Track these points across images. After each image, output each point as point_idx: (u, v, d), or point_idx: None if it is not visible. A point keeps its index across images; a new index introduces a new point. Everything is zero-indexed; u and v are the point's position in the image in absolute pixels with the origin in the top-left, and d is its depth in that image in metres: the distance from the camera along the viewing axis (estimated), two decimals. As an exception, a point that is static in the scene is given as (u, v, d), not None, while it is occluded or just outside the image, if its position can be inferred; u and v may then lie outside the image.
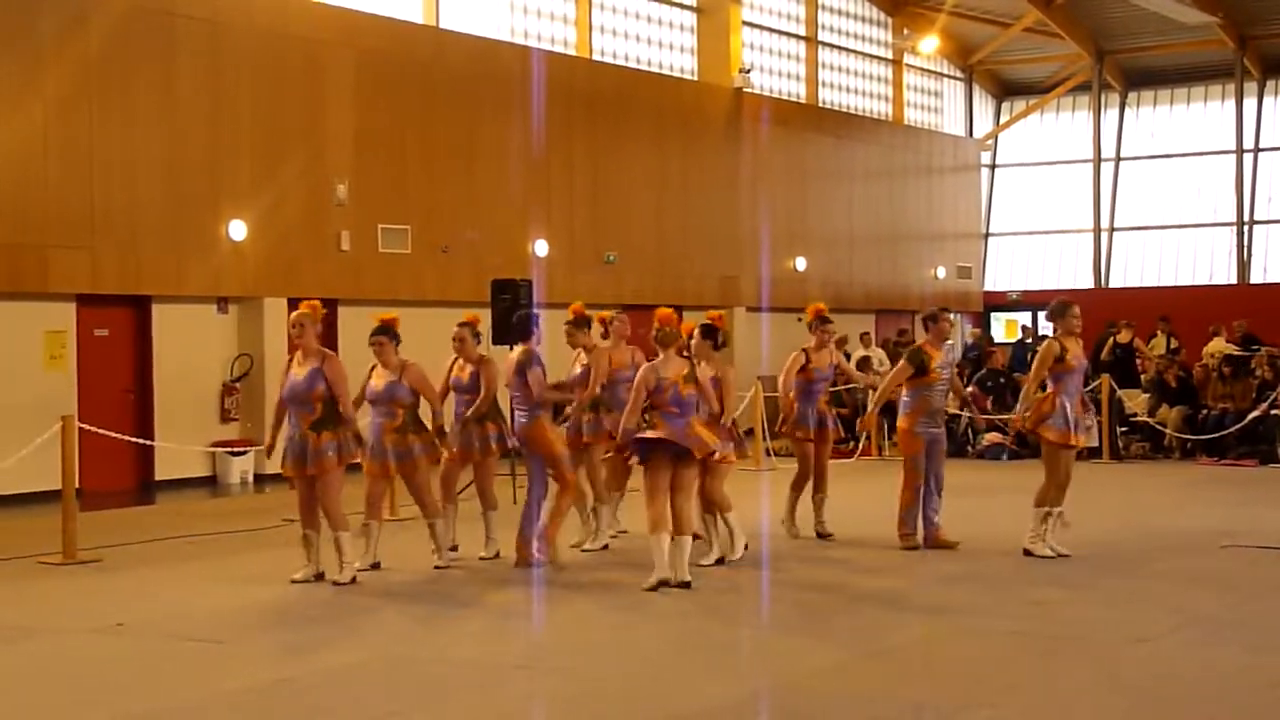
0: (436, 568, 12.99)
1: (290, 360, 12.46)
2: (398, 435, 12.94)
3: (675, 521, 11.95)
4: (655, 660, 9.71)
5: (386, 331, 13.12)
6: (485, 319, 19.41)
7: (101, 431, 14.05)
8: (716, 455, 12.37)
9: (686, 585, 11.77)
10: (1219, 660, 9.36)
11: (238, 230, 20.51)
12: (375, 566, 12.95)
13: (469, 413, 13.38)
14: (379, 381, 12.97)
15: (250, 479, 20.47)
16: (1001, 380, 25.13)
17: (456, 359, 13.65)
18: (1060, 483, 12.96)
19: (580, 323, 14.58)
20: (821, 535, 14.46)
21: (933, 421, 13.69)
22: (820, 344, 14.55)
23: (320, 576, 12.24)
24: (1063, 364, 12.72)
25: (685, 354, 12.33)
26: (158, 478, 19.87)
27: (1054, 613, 10.91)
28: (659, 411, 12.04)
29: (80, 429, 14.44)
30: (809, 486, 14.65)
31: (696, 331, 12.77)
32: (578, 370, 14.15)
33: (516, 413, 13.45)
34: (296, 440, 12.16)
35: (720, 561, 13.01)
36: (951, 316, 13.73)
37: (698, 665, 9.53)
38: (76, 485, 14.22)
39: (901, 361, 13.91)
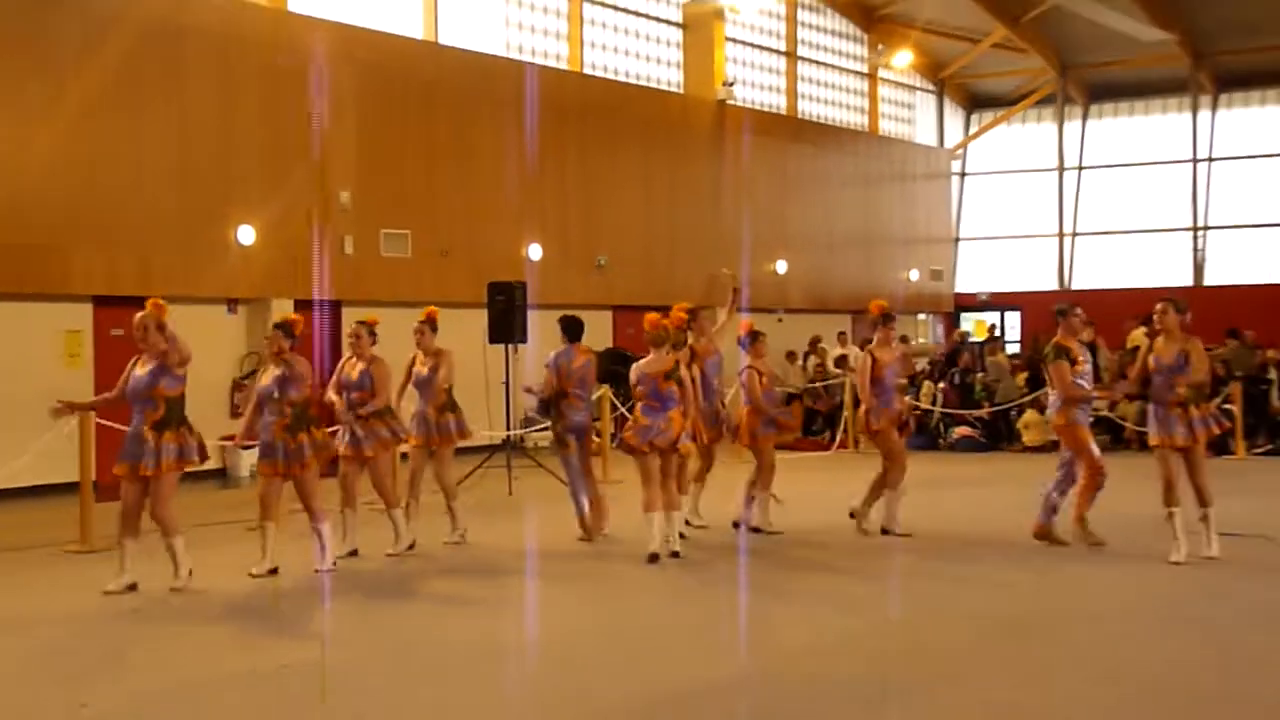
0: (388, 554, 13.07)
1: (135, 360, 11.65)
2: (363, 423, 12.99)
3: (665, 500, 12.72)
4: (644, 642, 9.75)
5: (283, 327, 12.52)
6: (482, 319, 19.55)
7: (118, 426, 13.96)
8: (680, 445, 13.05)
9: (676, 555, 12.69)
10: (1174, 642, 9.42)
11: (246, 235, 20.51)
12: (354, 554, 13.11)
13: (364, 410, 13.05)
14: (267, 379, 12.40)
15: (254, 472, 20.42)
16: (969, 379, 25.33)
17: (350, 357, 13.39)
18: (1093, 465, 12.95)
19: (432, 325, 14.06)
20: (887, 531, 13.88)
21: (1086, 409, 13.43)
22: (884, 341, 14.13)
23: (133, 587, 11.40)
24: (1074, 369, 12.75)
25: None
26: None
27: (1021, 595, 10.97)
28: (641, 404, 12.83)
29: (96, 424, 14.50)
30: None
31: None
32: (425, 372, 13.85)
33: (579, 408, 13.73)
34: (135, 439, 11.46)
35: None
36: (1080, 311, 13.39)
37: (685, 647, 9.57)
38: (94, 478, 14.32)
39: (1057, 360, 13.09)
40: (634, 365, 13.26)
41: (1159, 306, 12.33)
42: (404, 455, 14.28)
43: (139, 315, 11.52)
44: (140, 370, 11.45)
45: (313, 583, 11.99)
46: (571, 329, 13.94)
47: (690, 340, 14.14)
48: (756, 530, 14.26)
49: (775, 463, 14.54)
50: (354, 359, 13.29)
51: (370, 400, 13.04)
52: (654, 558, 12.46)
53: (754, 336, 14.73)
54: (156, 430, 11.33)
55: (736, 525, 14.35)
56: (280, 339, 12.33)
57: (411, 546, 13.41)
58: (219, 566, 12.28)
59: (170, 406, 11.40)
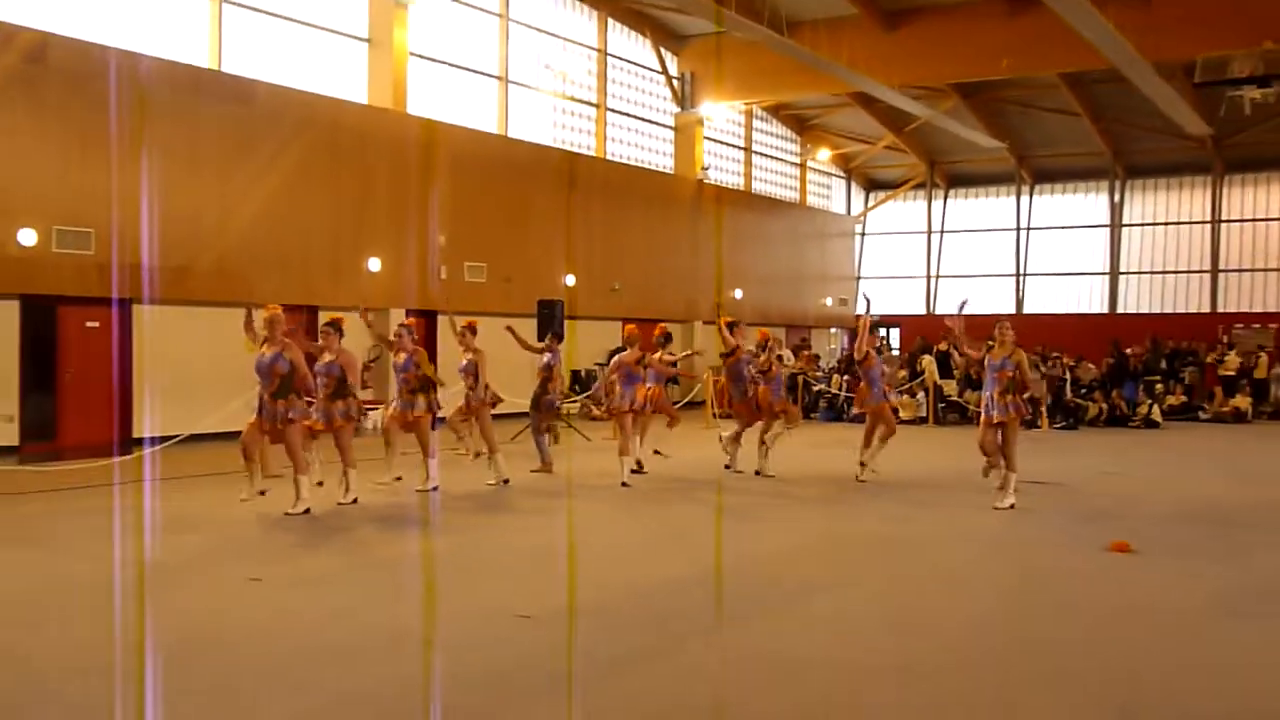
0: (340, 503, 11.47)
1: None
2: (326, 401, 11.54)
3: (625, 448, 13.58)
4: (627, 548, 9.74)
5: (334, 325, 11.77)
6: (533, 324, 19.55)
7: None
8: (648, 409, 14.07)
9: (626, 485, 13.13)
10: (994, 560, 9.43)
11: (374, 265, 20.50)
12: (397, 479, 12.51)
13: (330, 391, 11.57)
14: (322, 362, 11.58)
15: (379, 426, 20.37)
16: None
17: (325, 350, 11.74)
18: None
19: (335, 326, 12.01)
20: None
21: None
22: (1001, 342, 11.74)
23: (263, 493, 10.87)
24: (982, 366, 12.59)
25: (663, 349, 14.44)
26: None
27: (904, 524, 10.98)
28: (619, 383, 13.65)
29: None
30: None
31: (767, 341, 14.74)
32: (464, 361, 13.07)
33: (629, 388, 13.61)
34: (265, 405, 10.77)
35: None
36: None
37: (662, 552, 9.56)
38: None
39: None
40: (615, 357, 14.05)
41: (999, 325, 12.00)
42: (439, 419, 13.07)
43: (267, 314, 10.99)
44: (265, 354, 10.88)
45: (421, 500, 11.96)
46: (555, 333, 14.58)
47: (729, 344, 14.47)
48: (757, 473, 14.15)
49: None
50: (325, 351, 11.68)
51: (337, 384, 11.60)
52: (623, 484, 13.12)
53: (765, 342, 14.74)
54: (273, 398, 10.77)
55: (758, 473, 14.14)
56: (331, 334, 11.63)
57: (507, 481, 13.00)
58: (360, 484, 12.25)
59: (283, 381, 10.75)
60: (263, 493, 10.91)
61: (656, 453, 15.18)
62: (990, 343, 11.88)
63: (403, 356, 12.43)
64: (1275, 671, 6.19)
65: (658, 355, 14.80)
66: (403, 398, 12.30)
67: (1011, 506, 11.46)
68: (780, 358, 23.74)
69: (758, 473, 14.17)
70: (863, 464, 13.75)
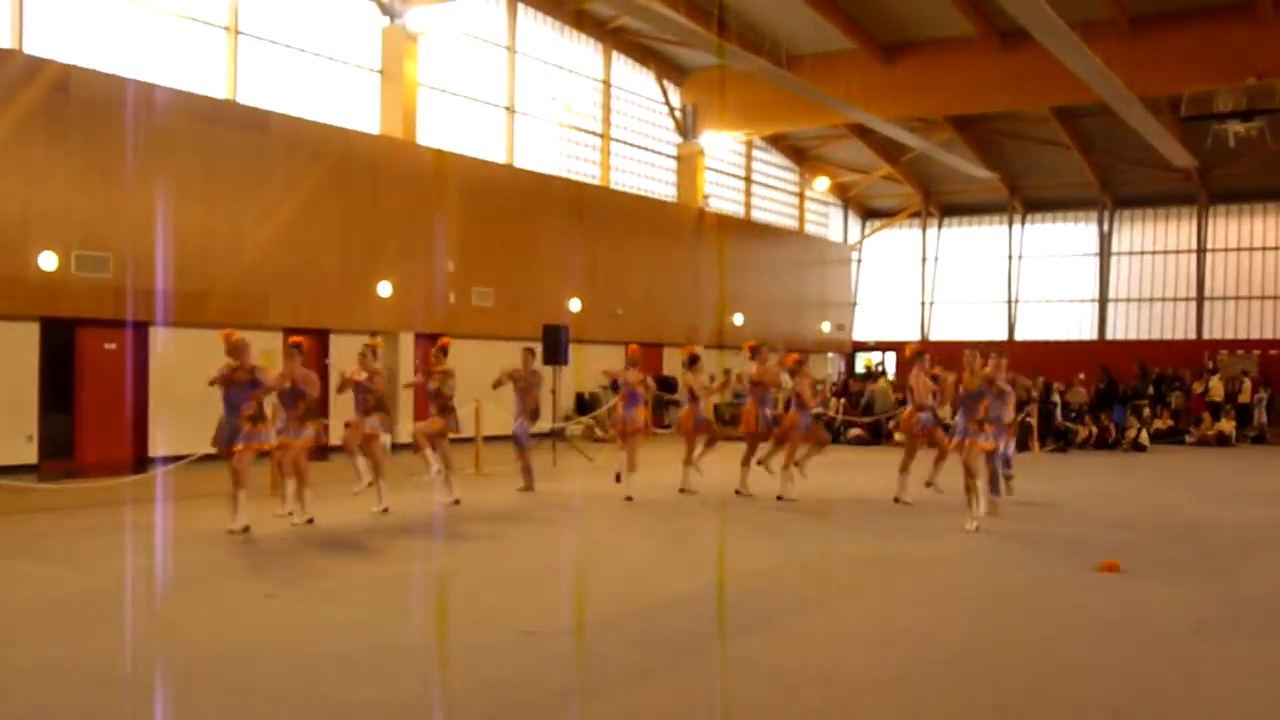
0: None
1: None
2: (298, 420, 11.34)
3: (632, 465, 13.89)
4: (636, 565, 9.75)
5: (296, 348, 11.51)
6: (539, 347, 19.57)
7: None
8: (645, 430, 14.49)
9: (629, 499, 13.39)
10: (997, 573, 9.44)
11: (384, 289, 20.56)
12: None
13: (300, 409, 11.33)
14: (286, 383, 11.17)
15: (389, 445, 20.39)
16: (858, 396, 25.42)
17: (286, 369, 11.27)
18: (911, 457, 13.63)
19: (297, 349, 11.58)
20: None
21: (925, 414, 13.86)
22: (972, 370, 11.94)
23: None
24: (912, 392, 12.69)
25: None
26: (331, 443, 19.82)
27: (894, 544, 10.98)
28: (623, 401, 14.01)
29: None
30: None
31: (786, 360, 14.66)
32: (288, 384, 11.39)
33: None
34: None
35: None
36: (926, 357, 13.86)
37: (669, 569, 9.57)
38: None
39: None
40: (619, 377, 14.40)
41: (966, 354, 12.02)
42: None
43: (237, 338, 10.83)
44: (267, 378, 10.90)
45: (421, 515, 11.98)
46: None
47: (755, 369, 14.30)
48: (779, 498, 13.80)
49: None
50: (287, 371, 11.26)
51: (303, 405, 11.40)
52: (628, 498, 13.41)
53: (799, 364, 14.55)
54: (253, 420, 10.86)
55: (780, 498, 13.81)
56: (294, 356, 11.40)
57: (457, 502, 12.71)
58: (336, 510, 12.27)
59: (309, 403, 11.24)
60: (246, 529, 10.72)
61: (618, 479, 14.24)
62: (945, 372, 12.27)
63: (364, 375, 12.31)
64: (1256, 685, 6.21)
65: (694, 378, 14.69)
66: (359, 415, 12.28)
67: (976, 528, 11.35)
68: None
69: (779, 497, 13.87)
70: (929, 483, 13.81)
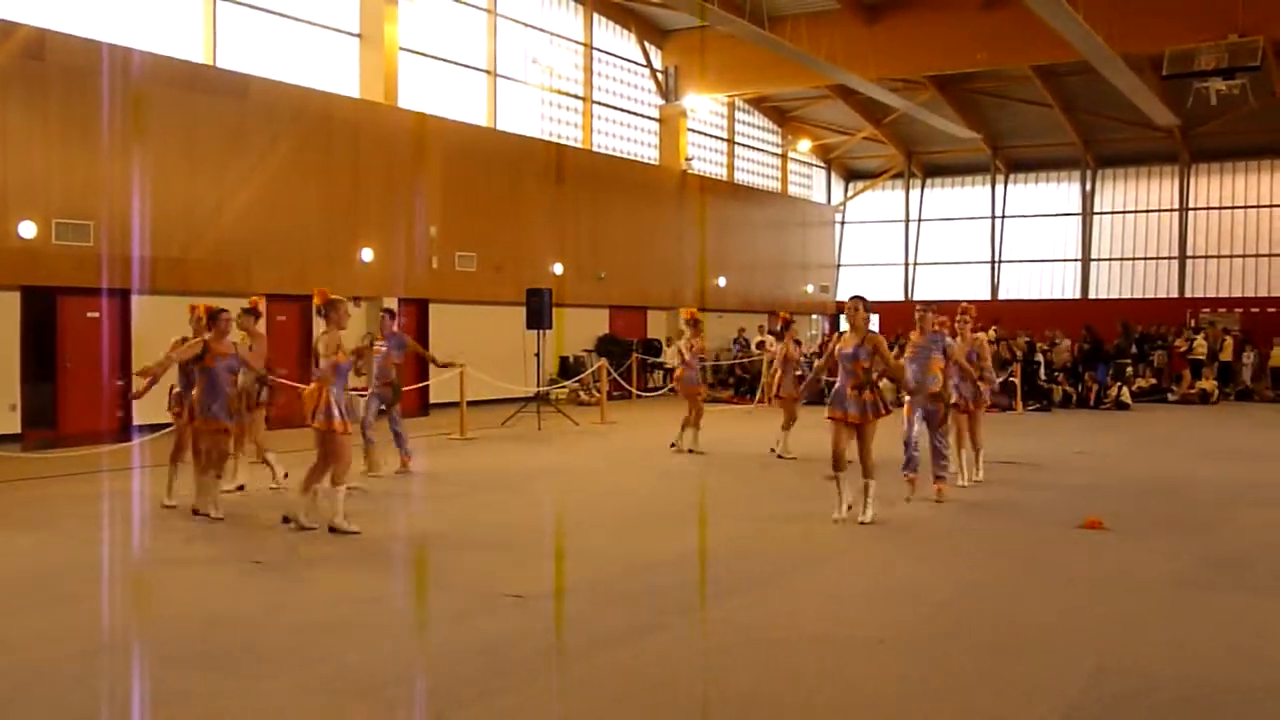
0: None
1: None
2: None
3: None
4: (622, 528, 9.77)
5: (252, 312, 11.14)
6: (522, 312, 19.48)
7: (285, 381, 13.94)
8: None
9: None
10: (982, 531, 9.48)
11: (367, 255, 20.45)
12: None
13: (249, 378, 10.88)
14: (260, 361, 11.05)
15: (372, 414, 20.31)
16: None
17: (244, 339, 11.07)
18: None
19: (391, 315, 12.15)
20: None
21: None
22: (854, 325, 9.67)
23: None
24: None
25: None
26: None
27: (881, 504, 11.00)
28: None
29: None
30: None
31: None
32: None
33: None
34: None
35: None
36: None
37: (649, 534, 9.59)
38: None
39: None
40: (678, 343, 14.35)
41: (917, 311, 10.51)
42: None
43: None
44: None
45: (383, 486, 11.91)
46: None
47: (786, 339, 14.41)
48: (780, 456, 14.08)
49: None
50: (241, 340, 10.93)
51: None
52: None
53: (787, 326, 14.72)
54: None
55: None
56: (248, 320, 11.04)
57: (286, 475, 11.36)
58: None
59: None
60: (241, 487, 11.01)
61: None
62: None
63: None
64: (1237, 637, 6.26)
65: (786, 343, 14.50)
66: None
67: (873, 520, 9.53)
68: (762, 344, 23.76)
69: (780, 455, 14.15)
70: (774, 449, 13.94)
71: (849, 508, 9.67)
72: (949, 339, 10.93)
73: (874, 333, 9.57)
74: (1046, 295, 35.52)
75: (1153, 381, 25.63)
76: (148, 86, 16.93)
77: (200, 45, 18.94)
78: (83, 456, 13.61)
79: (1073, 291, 35.40)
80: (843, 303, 11.68)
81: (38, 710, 5.15)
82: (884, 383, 10.57)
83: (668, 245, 28.76)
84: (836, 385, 9.63)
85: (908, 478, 10.88)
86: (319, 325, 9.62)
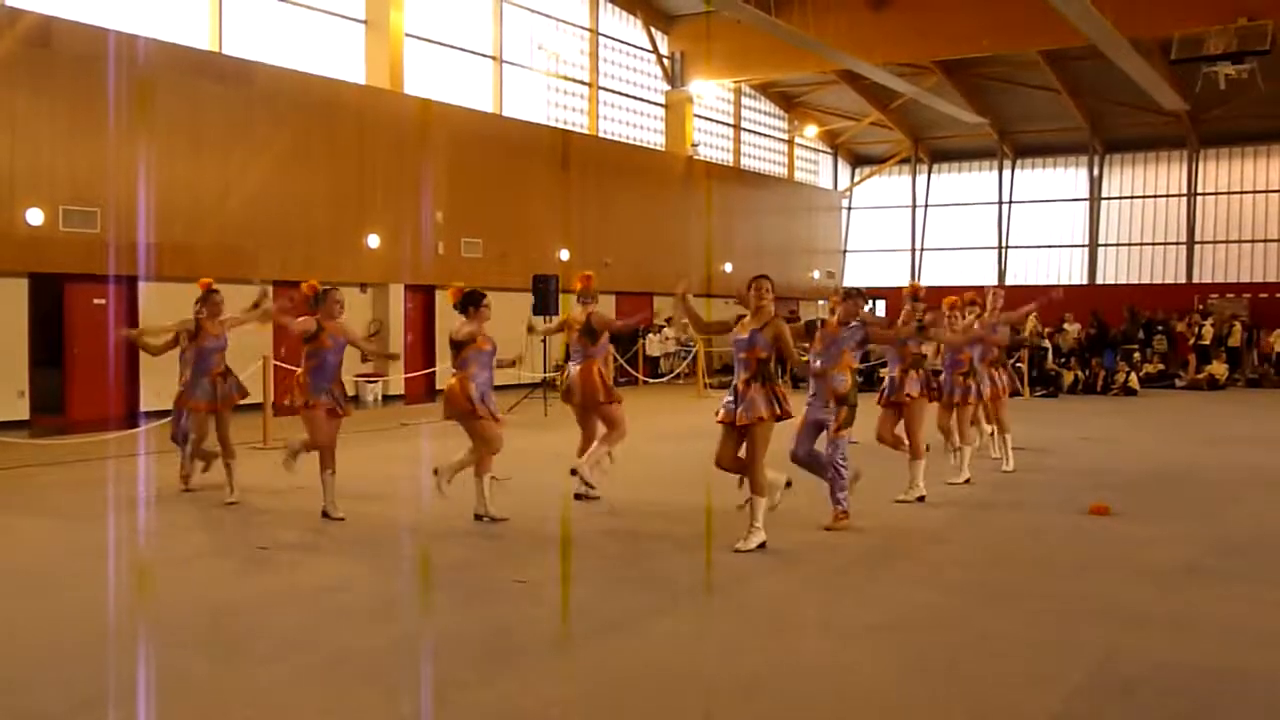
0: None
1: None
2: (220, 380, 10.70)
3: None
4: (626, 512, 9.71)
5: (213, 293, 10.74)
6: (529, 298, 19.49)
7: (287, 366, 14.00)
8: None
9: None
10: (989, 515, 9.45)
11: (374, 241, 20.45)
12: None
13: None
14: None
15: (380, 398, 20.40)
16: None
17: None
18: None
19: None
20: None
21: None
22: (756, 308, 8.32)
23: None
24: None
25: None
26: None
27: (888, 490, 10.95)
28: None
29: (275, 365, 14.50)
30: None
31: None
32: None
33: None
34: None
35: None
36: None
37: (656, 518, 9.55)
38: (272, 399, 14.33)
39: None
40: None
41: (754, 283, 8.20)
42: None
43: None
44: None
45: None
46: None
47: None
48: None
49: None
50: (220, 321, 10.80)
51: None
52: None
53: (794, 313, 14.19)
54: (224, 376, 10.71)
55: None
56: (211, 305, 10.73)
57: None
58: (361, 459, 12.22)
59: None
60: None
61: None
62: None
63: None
64: (1246, 622, 6.24)
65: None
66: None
67: (762, 545, 7.91)
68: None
69: None
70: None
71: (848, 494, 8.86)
72: (872, 326, 9.41)
73: (779, 318, 8.14)
74: (1054, 281, 35.40)
75: (1160, 367, 25.55)
76: (154, 74, 16.91)
77: (206, 32, 18.93)
78: (90, 443, 13.63)
79: (1080, 277, 35.30)
80: (849, 288, 10.53)
81: (45, 694, 5.15)
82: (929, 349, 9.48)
83: (674, 231, 28.72)
84: (732, 381, 8.23)
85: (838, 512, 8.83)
86: (455, 319, 9.10)
